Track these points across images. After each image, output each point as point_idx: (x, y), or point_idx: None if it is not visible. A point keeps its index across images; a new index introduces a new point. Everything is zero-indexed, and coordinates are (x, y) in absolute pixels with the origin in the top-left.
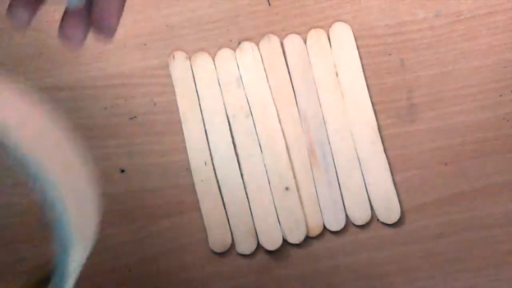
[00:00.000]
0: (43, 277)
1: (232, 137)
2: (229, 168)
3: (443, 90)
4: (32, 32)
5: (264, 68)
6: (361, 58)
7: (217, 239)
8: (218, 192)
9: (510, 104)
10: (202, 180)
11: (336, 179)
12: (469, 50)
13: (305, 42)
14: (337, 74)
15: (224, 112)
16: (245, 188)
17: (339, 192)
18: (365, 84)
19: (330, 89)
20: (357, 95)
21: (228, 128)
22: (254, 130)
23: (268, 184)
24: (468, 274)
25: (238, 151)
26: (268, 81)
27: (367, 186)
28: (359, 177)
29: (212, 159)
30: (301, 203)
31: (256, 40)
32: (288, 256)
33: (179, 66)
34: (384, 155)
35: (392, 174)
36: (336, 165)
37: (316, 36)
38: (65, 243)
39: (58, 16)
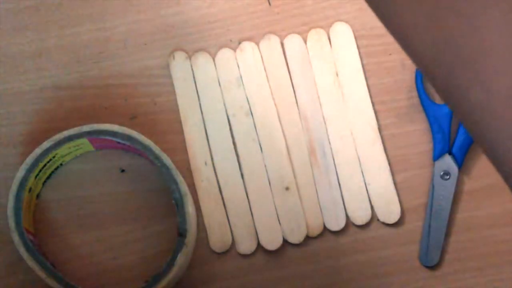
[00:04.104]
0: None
1: (232, 137)
2: (229, 168)
3: None
4: (32, 32)
5: (264, 68)
6: (361, 58)
7: (217, 239)
8: (218, 192)
9: None
10: (202, 180)
11: (336, 179)
12: None
13: (305, 42)
14: (337, 74)
15: (224, 112)
16: (245, 188)
17: (339, 192)
18: (365, 84)
19: (330, 89)
20: (357, 95)
21: (228, 128)
22: (254, 130)
23: (268, 184)
24: (468, 274)
25: (238, 151)
26: (268, 81)
27: (367, 186)
28: (359, 177)
29: (212, 159)
30: (301, 203)
31: (256, 40)
32: (288, 256)
33: (179, 66)
34: (384, 155)
35: (392, 174)
36: (336, 165)
37: (316, 36)
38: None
39: (59, 16)
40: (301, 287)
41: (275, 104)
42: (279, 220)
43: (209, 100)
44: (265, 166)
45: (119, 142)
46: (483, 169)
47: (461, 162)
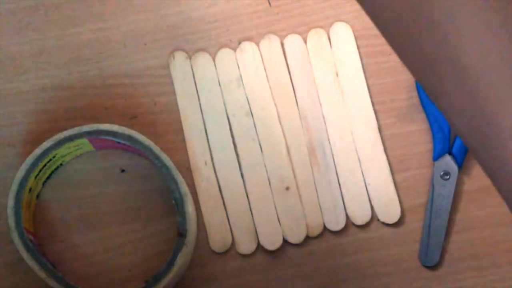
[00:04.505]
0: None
1: (232, 137)
2: (229, 168)
3: None
4: (32, 32)
5: (264, 68)
6: (361, 58)
7: (217, 239)
8: (218, 192)
9: None
10: (202, 180)
11: (336, 179)
12: None
13: (305, 42)
14: (337, 74)
15: (224, 111)
16: (245, 188)
17: (339, 192)
18: (365, 84)
19: (330, 89)
20: (357, 95)
21: (228, 128)
22: (254, 130)
23: (268, 184)
24: (468, 274)
25: (238, 151)
26: (268, 81)
27: (367, 186)
28: (359, 177)
29: (212, 159)
30: (301, 203)
31: (256, 40)
32: (288, 256)
33: (179, 66)
34: (384, 155)
35: (392, 174)
36: (336, 165)
37: (316, 36)
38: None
39: (59, 16)
40: (301, 287)
41: (275, 104)
42: (279, 220)
43: (209, 100)
44: (265, 166)
45: (119, 142)
46: None
47: (461, 162)
